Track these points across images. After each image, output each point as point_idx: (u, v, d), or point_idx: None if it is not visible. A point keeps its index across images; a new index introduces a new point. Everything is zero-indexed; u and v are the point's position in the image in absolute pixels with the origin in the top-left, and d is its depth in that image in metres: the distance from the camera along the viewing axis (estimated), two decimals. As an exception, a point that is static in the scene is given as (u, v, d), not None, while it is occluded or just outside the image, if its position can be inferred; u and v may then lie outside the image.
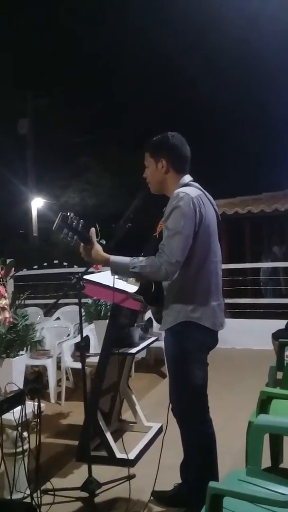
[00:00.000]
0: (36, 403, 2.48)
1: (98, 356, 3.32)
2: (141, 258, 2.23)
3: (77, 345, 4.64)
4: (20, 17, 14.82)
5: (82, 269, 2.53)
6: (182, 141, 2.42)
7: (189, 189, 2.30)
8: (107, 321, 3.40)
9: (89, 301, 3.82)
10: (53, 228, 2.19)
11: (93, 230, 2.32)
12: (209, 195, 2.43)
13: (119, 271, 2.30)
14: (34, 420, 2.56)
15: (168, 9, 13.33)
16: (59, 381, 4.79)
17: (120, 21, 14.32)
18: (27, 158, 17.80)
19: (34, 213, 17.65)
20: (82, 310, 3.73)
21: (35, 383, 2.52)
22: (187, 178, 2.41)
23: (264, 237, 10.79)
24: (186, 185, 2.36)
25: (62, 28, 14.85)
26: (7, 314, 2.83)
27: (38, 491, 2.45)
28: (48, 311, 5.35)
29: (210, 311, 2.29)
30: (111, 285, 2.44)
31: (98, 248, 2.30)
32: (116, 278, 2.43)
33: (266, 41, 12.59)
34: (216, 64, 14.19)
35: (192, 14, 13.01)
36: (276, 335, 4.99)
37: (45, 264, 9.11)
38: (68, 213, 2.23)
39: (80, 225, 2.24)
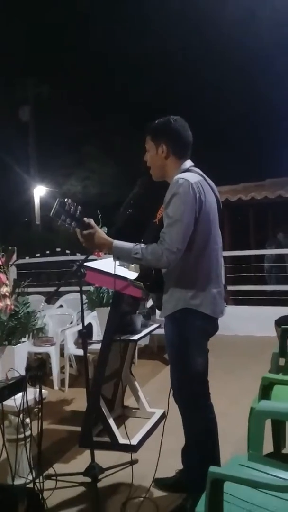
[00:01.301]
0: (38, 390, 2.49)
1: (101, 343, 3.32)
2: (143, 245, 2.21)
3: (80, 332, 4.65)
4: (22, 4, 14.63)
5: (84, 257, 2.51)
6: (184, 125, 2.37)
7: (189, 175, 2.26)
8: (109, 308, 3.39)
9: (91, 288, 3.82)
10: (51, 214, 2.17)
11: (90, 220, 2.29)
12: (210, 181, 2.39)
13: (121, 256, 2.29)
14: (37, 406, 2.57)
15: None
16: (62, 368, 4.82)
17: (122, 10, 14.12)
18: (30, 146, 17.73)
19: (37, 201, 17.64)
20: (85, 297, 3.73)
21: (37, 370, 2.52)
22: (188, 163, 2.37)
23: (268, 223, 10.75)
24: (187, 170, 2.32)
25: (64, 15, 14.68)
26: (8, 302, 2.83)
27: (41, 477, 2.47)
28: (50, 299, 5.35)
29: (210, 298, 2.27)
30: (112, 272, 2.42)
31: (101, 232, 2.28)
32: (117, 265, 2.42)
33: (271, 29, 12.41)
34: (220, 50, 14.01)
35: (197, 2, 12.81)
36: (279, 322, 4.96)
37: (48, 252, 9.12)
38: (66, 199, 2.20)
39: (78, 211, 2.22)
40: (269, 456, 2.15)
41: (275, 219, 10.80)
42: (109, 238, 2.27)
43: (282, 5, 10.93)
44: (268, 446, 2.24)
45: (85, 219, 2.26)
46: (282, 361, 3.19)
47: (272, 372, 3.14)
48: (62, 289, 5.98)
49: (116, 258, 2.31)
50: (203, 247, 2.27)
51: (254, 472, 1.78)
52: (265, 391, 2.44)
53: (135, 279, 2.36)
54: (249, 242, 10.05)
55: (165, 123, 2.36)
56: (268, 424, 2.20)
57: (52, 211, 2.17)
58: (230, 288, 7.01)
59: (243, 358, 5.43)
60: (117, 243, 2.25)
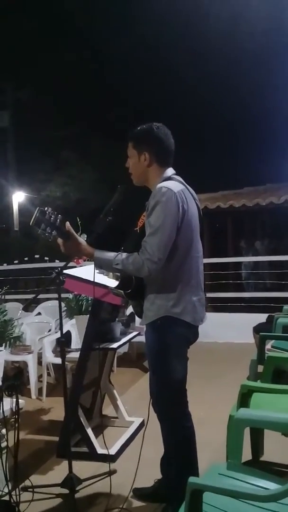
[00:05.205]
0: (15, 400, 2.44)
1: (79, 352, 3.29)
2: (124, 255, 2.20)
3: (58, 341, 4.60)
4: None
5: (63, 264, 2.48)
6: (166, 133, 2.36)
7: (171, 184, 2.26)
8: (88, 316, 3.36)
9: (70, 296, 3.78)
10: (31, 223, 2.14)
11: (67, 224, 2.27)
12: (191, 189, 2.40)
13: (102, 265, 2.28)
14: (13, 417, 2.52)
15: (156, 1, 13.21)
16: (40, 376, 4.74)
17: (105, 12, 14.17)
18: (8, 152, 17.56)
19: (15, 207, 17.45)
20: (63, 305, 3.70)
21: (14, 379, 2.47)
22: (170, 171, 2.37)
23: (246, 231, 10.88)
24: (169, 178, 2.32)
25: (45, 18, 14.66)
26: (-15, 310, 2.78)
27: (17, 489, 2.41)
28: (28, 306, 5.28)
29: (190, 306, 2.28)
30: (92, 280, 2.41)
31: (82, 241, 2.27)
32: (97, 272, 2.40)
33: (250, 37, 12.62)
34: (199, 60, 14.19)
35: (179, 6, 12.94)
36: (257, 329, 5.03)
37: (26, 258, 9.01)
38: (46, 208, 2.18)
39: (58, 220, 2.20)
40: (247, 464, 2.15)
41: (253, 226, 10.95)
42: (90, 248, 2.25)
43: (265, 11, 11.07)
44: (246, 454, 2.24)
45: (65, 226, 2.24)
46: (260, 368, 3.21)
47: (251, 379, 3.16)
48: (40, 296, 5.91)
49: (97, 267, 2.30)
50: (185, 256, 2.27)
51: (234, 482, 1.77)
52: (244, 398, 2.45)
53: (115, 287, 2.35)
54: (227, 249, 10.14)
55: (148, 130, 2.35)
56: (246, 431, 2.21)
57: (32, 220, 2.14)
58: (208, 295, 7.06)
59: (221, 365, 5.44)
60: (98, 253, 2.24)
